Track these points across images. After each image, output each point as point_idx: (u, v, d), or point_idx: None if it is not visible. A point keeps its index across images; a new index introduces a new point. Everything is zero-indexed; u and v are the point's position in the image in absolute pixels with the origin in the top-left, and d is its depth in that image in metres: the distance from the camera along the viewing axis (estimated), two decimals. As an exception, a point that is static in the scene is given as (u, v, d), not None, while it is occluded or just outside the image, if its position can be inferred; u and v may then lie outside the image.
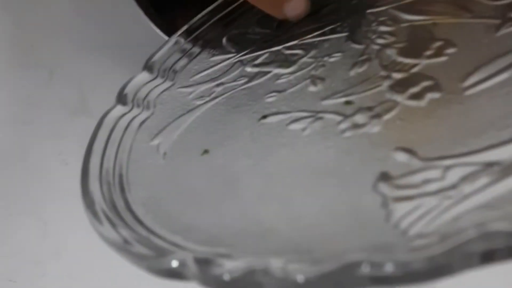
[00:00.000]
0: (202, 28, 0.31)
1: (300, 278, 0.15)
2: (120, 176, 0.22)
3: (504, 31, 0.24)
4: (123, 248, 0.18)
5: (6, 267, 0.37)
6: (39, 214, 0.39)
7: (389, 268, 0.14)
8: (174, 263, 0.16)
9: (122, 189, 0.22)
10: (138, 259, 0.17)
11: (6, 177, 0.40)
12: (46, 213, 0.39)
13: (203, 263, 0.16)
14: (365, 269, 0.14)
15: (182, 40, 0.30)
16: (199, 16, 0.31)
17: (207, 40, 0.31)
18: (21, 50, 0.43)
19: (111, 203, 0.20)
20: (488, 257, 0.14)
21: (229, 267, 0.16)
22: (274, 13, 0.30)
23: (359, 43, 0.27)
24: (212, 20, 0.31)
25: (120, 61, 0.40)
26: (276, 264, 0.15)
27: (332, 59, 0.27)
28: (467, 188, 0.18)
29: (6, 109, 0.41)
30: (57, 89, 0.42)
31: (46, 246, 0.38)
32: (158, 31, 0.32)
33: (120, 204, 0.21)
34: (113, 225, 0.19)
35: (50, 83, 0.42)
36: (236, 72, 0.28)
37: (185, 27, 0.31)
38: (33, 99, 0.42)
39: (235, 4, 0.32)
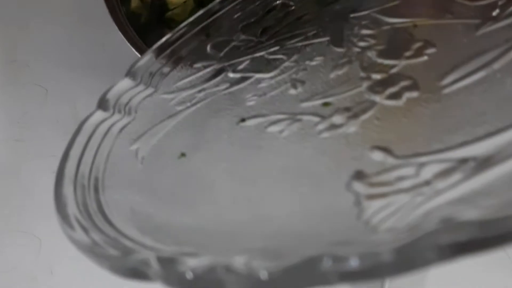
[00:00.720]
0: (186, 36, 0.31)
1: (263, 274, 0.14)
2: (96, 179, 0.22)
3: (483, 30, 0.23)
4: (89, 249, 0.17)
5: (1, 282, 0.37)
6: (33, 230, 0.39)
7: (354, 262, 0.14)
8: (136, 262, 0.16)
9: (96, 192, 0.21)
10: (102, 259, 0.17)
11: (0, 194, 0.40)
12: (40, 229, 0.38)
13: (166, 262, 0.16)
14: (327, 263, 0.14)
15: (165, 48, 0.30)
16: (183, 24, 0.31)
17: (191, 48, 0.31)
18: (17, 70, 0.43)
19: (84, 205, 0.20)
20: (457, 248, 0.13)
21: (192, 265, 0.15)
22: None
23: (341, 47, 0.27)
24: (196, 29, 0.31)
25: (113, 81, 0.40)
26: (239, 260, 0.15)
27: (313, 63, 0.27)
28: (440, 184, 0.17)
29: (1, 127, 0.42)
30: (51, 108, 0.42)
31: (40, 262, 0.38)
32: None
33: (92, 206, 0.20)
34: (82, 227, 0.19)
35: (44, 101, 0.42)
36: (219, 78, 0.28)
37: (169, 35, 0.31)
38: (28, 117, 0.42)
39: (218, 14, 0.32)
